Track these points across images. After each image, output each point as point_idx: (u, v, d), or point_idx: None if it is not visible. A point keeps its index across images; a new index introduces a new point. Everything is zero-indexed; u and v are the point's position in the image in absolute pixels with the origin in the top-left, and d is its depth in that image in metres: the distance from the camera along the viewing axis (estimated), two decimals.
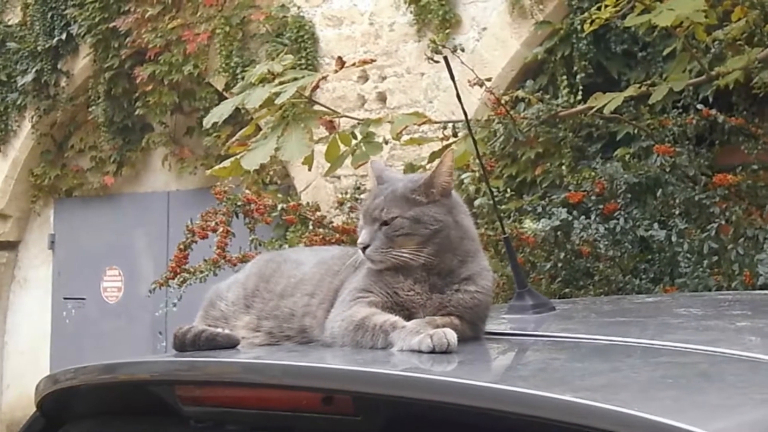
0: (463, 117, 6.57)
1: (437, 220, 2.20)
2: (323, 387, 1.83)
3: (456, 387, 1.70)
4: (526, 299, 2.43)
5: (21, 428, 2.51)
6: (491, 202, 5.22)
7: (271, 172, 9.30)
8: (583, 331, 2.20)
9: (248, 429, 2.00)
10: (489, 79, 5.37)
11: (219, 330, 2.29)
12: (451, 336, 1.96)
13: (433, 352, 1.94)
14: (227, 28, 9.61)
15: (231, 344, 2.26)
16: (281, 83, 4.79)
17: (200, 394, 2.03)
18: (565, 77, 7.80)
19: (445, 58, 2.72)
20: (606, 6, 5.19)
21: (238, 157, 4.83)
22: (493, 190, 5.60)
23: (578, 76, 7.69)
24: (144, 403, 2.23)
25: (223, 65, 9.64)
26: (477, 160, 5.25)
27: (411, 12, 8.76)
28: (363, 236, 2.18)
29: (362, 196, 6.87)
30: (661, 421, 1.45)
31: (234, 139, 5.35)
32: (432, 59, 4.52)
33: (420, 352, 1.96)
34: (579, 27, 7.66)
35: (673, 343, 1.96)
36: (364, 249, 2.18)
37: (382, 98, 8.98)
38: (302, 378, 1.89)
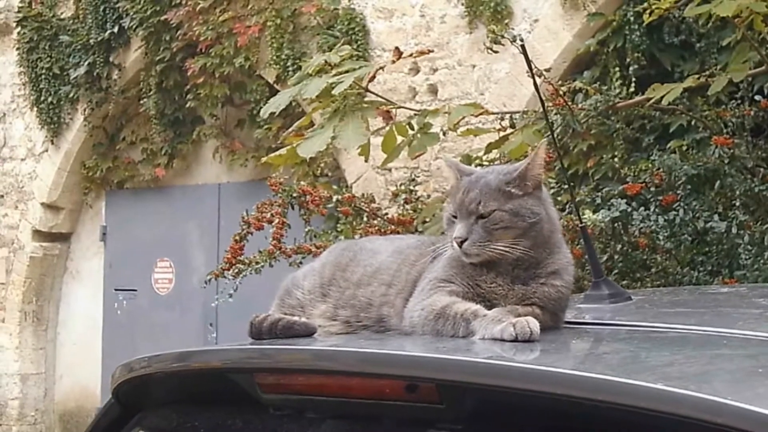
0: (515, 107, 6.54)
1: (534, 213, 2.18)
2: (407, 375, 1.83)
3: (543, 375, 1.69)
4: (603, 289, 2.42)
5: (96, 415, 2.53)
6: (552, 190, 5.19)
7: (322, 164, 9.33)
8: (663, 320, 2.18)
9: (329, 417, 2.00)
10: (548, 70, 5.35)
11: (296, 318, 2.30)
12: (534, 325, 1.96)
13: (515, 340, 1.94)
14: (278, 21, 9.63)
15: (308, 332, 2.26)
16: (338, 74, 4.80)
17: (281, 381, 2.04)
18: (617, 69, 7.75)
19: (523, 46, 2.70)
20: None
21: (294, 146, 4.85)
22: (548, 183, 5.57)
23: (631, 68, 7.64)
24: (219, 391, 2.24)
25: (274, 58, 9.66)
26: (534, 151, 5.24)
27: (462, 4, 8.73)
28: (459, 230, 2.15)
29: (416, 188, 6.87)
30: (755, 411, 1.44)
31: (290, 130, 5.37)
32: (491, 49, 4.50)
33: (502, 340, 1.96)
34: (632, 18, 7.61)
35: (755, 332, 1.94)
36: (460, 243, 2.15)
37: (433, 90, 8.97)
38: (385, 366, 1.89)
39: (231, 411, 2.19)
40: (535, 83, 2.76)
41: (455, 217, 2.19)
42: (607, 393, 1.60)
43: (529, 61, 2.72)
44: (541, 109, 5.53)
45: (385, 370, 1.88)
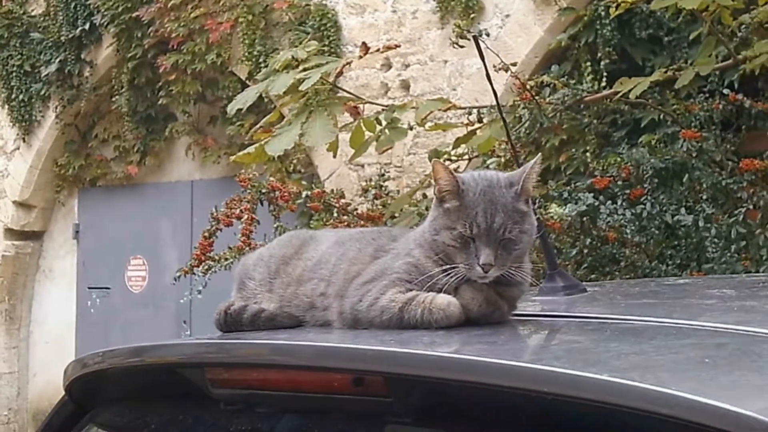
0: (487, 102, 6.55)
1: (534, 230, 2.13)
2: (354, 368, 1.82)
3: (491, 367, 1.68)
4: (557, 281, 2.41)
5: (49, 413, 2.51)
6: None
7: (295, 161, 9.33)
8: (616, 312, 2.17)
9: (279, 411, 1.99)
10: (514, 64, 5.34)
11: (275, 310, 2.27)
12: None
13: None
14: (250, 17, 9.61)
15: (293, 324, 2.24)
16: (305, 69, 4.78)
17: (230, 376, 2.02)
18: (589, 64, 7.77)
19: (475, 38, 2.69)
20: None
21: (262, 143, 4.82)
22: None
23: (602, 63, 7.66)
24: (173, 386, 2.22)
25: (246, 54, 9.64)
26: (503, 146, 5.24)
27: None
28: (488, 256, 2.04)
29: (388, 183, 6.86)
30: (700, 401, 1.43)
31: (258, 126, 5.34)
32: (457, 44, 4.49)
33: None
34: (603, 13, 7.62)
35: (707, 323, 1.94)
36: (488, 270, 2.05)
37: (405, 86, 8.96)
38: (333, 359, 1.88)
39: (182, 406, 2.17)
40: (487, 74, 2.74)
41: (471, 238, 2.06)
42: (553, 385, 1.59)
43: (482, 56, 2.71)
44: (510, 104, 5.54)
45: (333, 363, 1.87)
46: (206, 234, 6.20)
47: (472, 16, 8.38)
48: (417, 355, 1.82)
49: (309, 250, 2.32)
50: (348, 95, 5.30)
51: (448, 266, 2.07)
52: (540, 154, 2.22)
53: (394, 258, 2.16)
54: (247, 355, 2.08)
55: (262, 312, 2.27)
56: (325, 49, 8.82)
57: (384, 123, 4.98)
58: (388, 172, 7.67)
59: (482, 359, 1.74)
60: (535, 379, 1.61)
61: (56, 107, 11.48)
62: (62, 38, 11.19)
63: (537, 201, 5.49)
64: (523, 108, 5.43)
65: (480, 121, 5.39)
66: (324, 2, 9.40)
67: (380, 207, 6.36)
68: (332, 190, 6.66)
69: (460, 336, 1.94)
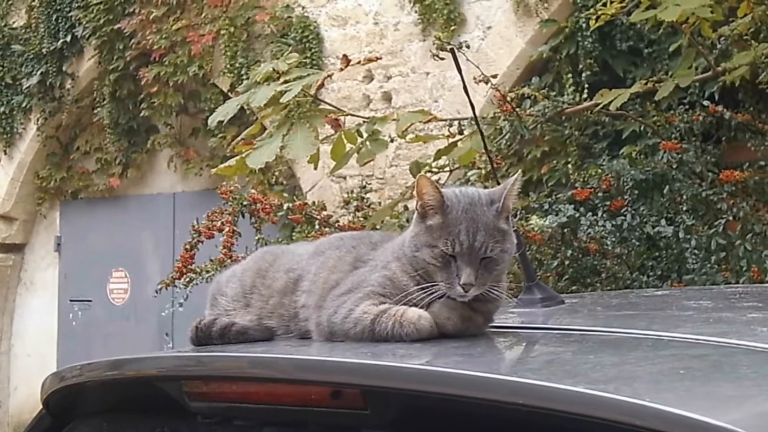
0: (469, 114, 6.57)
1: (513, 248, 2.11)
2: (332, 381, 1.82)
3: (466, 379, 1.68)
4: (535, 293, 2.41)
5: (27, 426, 2.50)
6: None
7: (277, 173, 9.32)
8: (593, 324, 2.18)
9: (257, 424, 1.98)
10: (495, 76, 5.35)
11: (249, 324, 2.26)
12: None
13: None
14: (232, 29, 9.61)
15: (264, 337, 2.23)
16: (286, 82, 4.78)
17: (208, 389, 2.02)
18: (570, 75, 7.79)
19: (452, 50, 2.70)
20: (612, 2, 5.18)
21: (243, 155, 4.82)
22: None
23: (584, 75, 7.67)
24: (151, 399, 2.22)
25: (228, 66, 9.65)
26: (484, 158, 5.24)
27: (416, 11, 8.75)
28: (469, 276, 2.01)
29: (370, 195, 6.85)
30: (674, 412, 1.44)
31: (239, 138, 5.34)
32: (437, 56, 4.50)
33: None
34: (584, 25, 7.64)
35: (683, 335, 1.94)
36: (468, 290, 2.03)
37: (387, 98, 8.97)
38: (311, 372, 1.88)
39: (160, 419, 2.17)
40: (464, 87, 2.74)
41: (453, 257, 2.04)
42: (528, 397, 1.59)
43: (459, 68, 2.71)
44: (491, 116, 5.55)
45: (311, 376, 1.87)
46: (188, 246, 6.18)
47: (453, 28, 8.41)
48: (394, 368, 1.82)
49: (287, 263, 2.32)
50: (329, 107, 5.30)
51: (427, 284, 2.05)
52: (520, 170, 2.20)
53: (371, 270, 2.15)
54: (225, 368, 2.08)
55: (232, 325, 2.26)
56: (307, 61, 8.83)
57: (365, 135, 4.98)
58: (370, 183, 7.67)
59: (459, 371, 1.75)
60: (511, 391, 1.62)
61: (38, 119, 11.45)
62: (44, 50, 11.17)
63: (518, 213, 5.51)
64: (504, 120, 5.45)
65: (461, 133, 5.40)
66: (306, 14, 9.41)
67: (362, 219, 6.35)
68: (314, 202, 6.66)
69: (436, 348, 1.95)
